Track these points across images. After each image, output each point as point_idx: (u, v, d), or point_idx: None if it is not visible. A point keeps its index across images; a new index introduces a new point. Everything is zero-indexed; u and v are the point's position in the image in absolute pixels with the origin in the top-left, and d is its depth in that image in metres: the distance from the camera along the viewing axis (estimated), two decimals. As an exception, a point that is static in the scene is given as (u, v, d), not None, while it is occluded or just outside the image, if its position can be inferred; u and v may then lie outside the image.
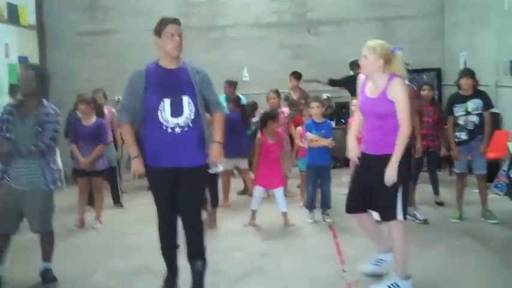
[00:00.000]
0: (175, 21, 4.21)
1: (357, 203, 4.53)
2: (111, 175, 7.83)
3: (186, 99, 4.09)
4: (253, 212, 6.61)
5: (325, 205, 6.65)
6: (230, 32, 10.91)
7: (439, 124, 7.17)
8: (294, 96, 9.20)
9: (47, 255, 4.87)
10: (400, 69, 4.29)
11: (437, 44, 10.62)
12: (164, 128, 4.07)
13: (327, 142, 6.48)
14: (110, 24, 10.89)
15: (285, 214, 6.56)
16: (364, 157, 4.47)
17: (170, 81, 4.13)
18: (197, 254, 4.33)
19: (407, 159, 4.32)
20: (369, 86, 4.37)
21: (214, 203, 6.49)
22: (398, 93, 4.16)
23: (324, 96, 10.42)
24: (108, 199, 7.79)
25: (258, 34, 10.87)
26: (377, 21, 10.72)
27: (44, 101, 4.70)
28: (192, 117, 4.10)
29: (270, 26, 10.88)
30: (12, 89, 7.43)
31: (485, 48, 8.62)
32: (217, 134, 4.28)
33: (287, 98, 9.30)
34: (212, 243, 5.80)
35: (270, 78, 10.46)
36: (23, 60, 9.78)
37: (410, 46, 10.41)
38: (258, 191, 6.60)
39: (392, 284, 4.28)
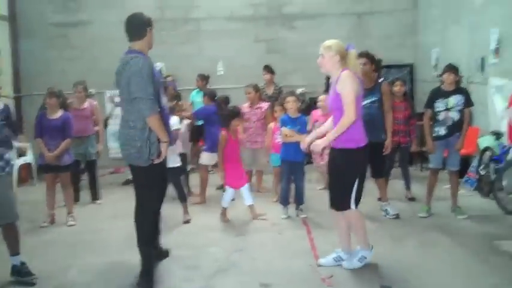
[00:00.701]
0: None
1: (330, 198, 4.82)
2: (91, 168, 7.82)
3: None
4: (224, 209, 6.65)
5: (299, 201, 6.69)
6: (205, 25, 10.86)
7: (410, 120, 7.28)
8: (268, 90, 9.11)
9: (14, 248, 4.82)
10: (354, 65, 4.60)
11: (410, 39, 10.72)
12: None
13: (301, 138, 6.49)
14: (83, 15, 10.75)
15: (251, 207, 6.65)
16: (330, 151, 4.83)
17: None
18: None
19: (364, 155, 4.67)
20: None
21: (182, 198, 6.55)
22: (342, 85, 4.46)
23: (299, 90, 10.42)
24: (86, 195, 7.76)
25: (234, 27, 10.84)
26: (352, 16, 10.80)
27: None
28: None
29: (245, 20, 10.86)
30: None
31: (457, 44, 8.74)
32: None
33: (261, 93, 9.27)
34: (187, 238, 5.86)
35: (245, 72, 10.45)
36: (-7, 51, 9.65)
37: (384, 41, 10.55)
38: (230, 191, 6.67)
39: (360, 258, 4.82)
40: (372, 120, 5.82)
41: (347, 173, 4.62)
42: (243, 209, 6.75)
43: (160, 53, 10.27)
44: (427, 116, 6.50)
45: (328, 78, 8.92)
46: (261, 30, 10.91)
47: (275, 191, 7.44)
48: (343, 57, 4.54)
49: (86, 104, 7.72)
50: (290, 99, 6.63)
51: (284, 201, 6.67)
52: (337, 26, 10.61)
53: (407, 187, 7.39)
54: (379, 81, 6.37)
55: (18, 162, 9.14)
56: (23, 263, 4.85)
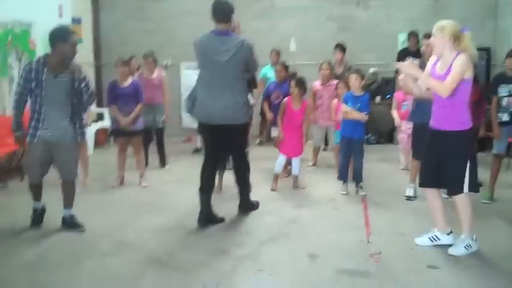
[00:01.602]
0: None
1: (429, 178, 4.81)
2: (159, 136, 8.14)
3: None
4: (276, 176, 6.84)
5: (357, 179, 6.70)
6: (279, 1, 10.91)
7: (480, 104, 7.07)
8: (338, 69, 9.04)
9: (68, 201, 5.31)
10: (469, 47, 4.51)
11: (489, 23, 10.33)
12: None
13: (359, 116, 6.49)
14: (161, -12, 11.05)
15: (295, 177, 6.86)
16: (433, 132, 4.72)
17: None
18: None
19: (473, 137, 4.74)
20: (439, 64, 4.62)
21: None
22: (455, 64, 4.41)
23: (371, 70, 10.38)
24: (155, 160, 8.10)
25: (307, 4, 10.82)
26: (429, -4, 10.51)
27: None
28: None
29: (319, -3, 10.82)
30: None
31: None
32: None
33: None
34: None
35: (317, 49, 10.47)
36: (76, 21, 10.10)
37: (461, 24, 10.17)
38: (281, 158, 6.84)
39: (467, 245, 4.67)
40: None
41: (457, 155, 4.56)
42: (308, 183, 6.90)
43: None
44: (494, 102, 6.35)
45: (401, 58, 8.84)
46: (334, 8, 10.82)
47: (336, 167, 7.48)
48: (456, 39, 4.47)
49: (155, 74, 8.01)
50: (353, 76, 6.62)
51: (341, 176, 6.73)
52: (412, 6, 10.40)
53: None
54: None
55: (96, 126, 9.65)
56: (72, 216, 5.31)
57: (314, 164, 8.22)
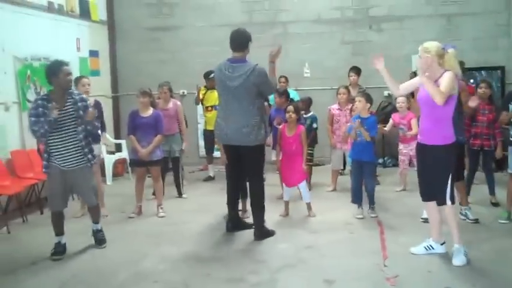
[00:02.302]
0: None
1: (423, 192, 5.17)
2: (175, 165, 8.18)
3: None
4: (286, 203, 6.86)
5: (370, 200, 6.72)
6: (292, 28, 10.99)
7: (495, 123, 7.03)
8: (353, 92, 9.05)
9: (95, 219, 5.83)
10: (453, 65, 4.81)
11: (502, 41, 10.29)
12: None
13: (365, 133, 6.56)
14: (175, 20, 11.17)
15: (308, 205, 6.81)
16: (419, 146, 5.10)
17: None
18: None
19: (457, 152, 5.14)
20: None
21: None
22: (443, 79, 4.70)
23: (385, 93, 10.41)
24: (172, 190, 8.16)
25: (320, 30, 10.88)
26: (441, 18, 10.52)
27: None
28: None
29: (332, 22, 10.87)
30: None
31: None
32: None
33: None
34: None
35: (331, 74, 10.57)
36: (93, 53, 10.32)
37: (475, 43, 10.26)
38: (284, 188, 6.89)
39: (464, 252, 4.95)
40: None
41: (441, 168, 4.90)
42: (318, 208, 6.88)
43: (248, 56, 10.62)
44: (502, 115, 6.35)
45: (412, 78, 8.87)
46: (348, 33, 10.86)
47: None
48: (441, 57, 4.77)
49: (171, 104, 8.08)
50: (357, 98, 6.76)
51: (356, 199, 6.74)
52: (425, 28, 10.42)
53: (491, 192, 7.15)
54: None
55: (114, 157, 9.77)
56: (99, 230, 5.83)
57: (334, 189, 8.21)
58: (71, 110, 5.35)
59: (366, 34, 10.83)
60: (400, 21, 10.64)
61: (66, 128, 5.34)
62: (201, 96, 9.33)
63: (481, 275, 4.66)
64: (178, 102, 8.36)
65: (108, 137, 9.59)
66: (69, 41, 9.46)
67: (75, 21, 9.66)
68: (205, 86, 9.31)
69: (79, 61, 9.74)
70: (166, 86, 8.16)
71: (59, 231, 5.55)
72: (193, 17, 11.07)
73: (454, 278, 4.58)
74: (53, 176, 5.40)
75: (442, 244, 5.19)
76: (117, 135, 10.93)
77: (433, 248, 5.17)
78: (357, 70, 9.20)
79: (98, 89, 10.27)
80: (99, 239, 5.80)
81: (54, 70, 5.30)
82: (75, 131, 5.38)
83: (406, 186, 7.96)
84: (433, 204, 5.12)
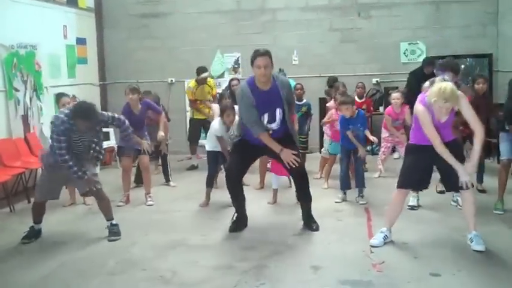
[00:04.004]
0: (263, 54, 5.33)
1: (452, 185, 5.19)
2: (164, 155, 8.22)
3: (278, 111, 5.46)
4: (274, 191, 6.88)
5: (359, 184, 6.80)
6: (281, 15, 10.96)
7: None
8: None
9: (107, 216, 5.77)
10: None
11: (490, 29, 10.32)
12: None
13: (371, 138, 6.95)
14: (164, 7, 11.09)
15: (275, 191, 6.87)
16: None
17: (266, 101, 5.38)
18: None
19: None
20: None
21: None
22: (464, 110, 4.89)
23: (374, 81, 10.47)
24: (159, 178, 8.17)
25: (308, 17, 10.86)
26: (430, 5, 10.51)
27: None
28: (280, 121, 5.51)
29: (320, 9, 10.83)
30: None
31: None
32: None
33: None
34: (249, 221, 6.04)
35: (320, 61, 10.58)
36: (81, 41, 10.25)
37: (463, 31, 10.29)
38: (273, 175, 6.90)
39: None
40: None
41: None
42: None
43: (237, 43, 10.60)
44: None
45: (412, 74, 8.94)
46: (336, 20, 10.82)
47: (326, 178, 7.74)
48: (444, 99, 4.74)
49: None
50: (343, 107, 6.79)
51: (344, 185, 6.83)
52: (414, 15, 10.44)
53: (479, 180, 7.17)
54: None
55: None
56: (114, 225, 5.75)
57: (322, 177, 8.22)
58: (86, 140, 5.52)
59: (354, 21, 10.80)
60: (389, 8, 10.63)
61: (80, 150, 5.53)
62: (192, 97, 9.29)
63: (467, 260, 4.70)
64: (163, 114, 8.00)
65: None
66: (56, 29, 9.39)
67: (62, 8, 9.58)
68: (195, 80, 9.26)
69: (66, 49, 9.68)
70: (150, 95, 8.23)
71: (38, 220, 5.71)
72: (182, 3, 11.01)
73: (440, 264, 4.61)
74: (50, 170, 5.58)
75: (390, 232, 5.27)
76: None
77: (388, 237, 5.21)
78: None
79: (85, 76, 10.25)
80: (113, 232, 5.70)
81: (86, 115, 5.27)
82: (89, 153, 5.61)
83: (382, 172, 8.16)
84: (467, 194, 5.02)
